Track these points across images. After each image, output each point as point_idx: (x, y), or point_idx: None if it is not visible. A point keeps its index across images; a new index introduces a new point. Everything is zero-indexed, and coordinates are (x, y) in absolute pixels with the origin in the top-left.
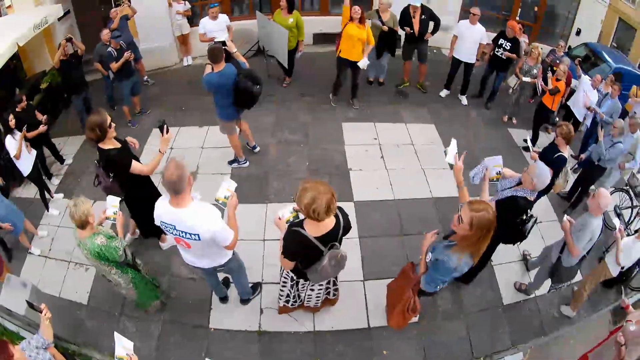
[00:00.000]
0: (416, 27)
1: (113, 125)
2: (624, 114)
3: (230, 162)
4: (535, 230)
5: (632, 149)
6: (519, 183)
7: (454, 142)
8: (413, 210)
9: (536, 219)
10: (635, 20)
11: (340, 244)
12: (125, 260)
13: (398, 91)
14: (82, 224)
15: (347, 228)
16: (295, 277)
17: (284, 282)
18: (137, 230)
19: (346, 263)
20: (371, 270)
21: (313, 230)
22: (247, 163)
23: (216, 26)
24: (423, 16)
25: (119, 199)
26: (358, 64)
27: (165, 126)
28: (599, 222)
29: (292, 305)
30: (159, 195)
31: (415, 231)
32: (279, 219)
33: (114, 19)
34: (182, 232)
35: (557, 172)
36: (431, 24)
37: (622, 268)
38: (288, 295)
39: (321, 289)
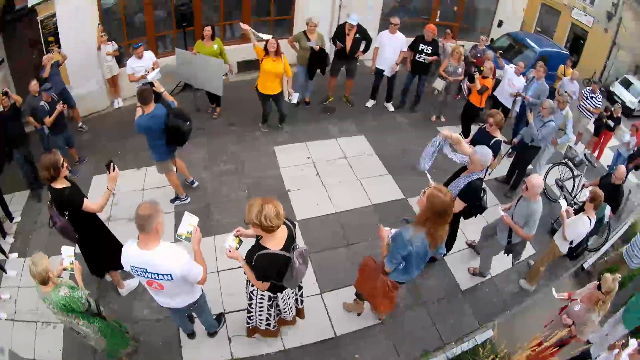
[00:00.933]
0: (349, 44)
1: (65, 165)
2: (553, 94)
3: (172, 200)
4: (479, 216)
5: (562, 125)
6: (465, 168)
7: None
8: (355, 220)
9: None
10: (558, 2)
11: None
12: (89, 310)
13: (324, 108)
14: (44, 280)
15: (294, 224)
16: (272, 295)
17: (260, 305)
18: (130, 282)
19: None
20: (325, 283)
21: (274, 244)
22: (189, 199)
23: (142, 64)
24: (357, 35)
25: (73, 248)
26: (290, 100)
27: (112, 164)
28: (540, 203)
29: (274, 327)
30: (109, 232)
31: (360, 239)
32: (229, 251)
33: (45, 67)
34: (153, 274)
35: (496, 155)
36: (363, 43)
37: (571, 244)
38: (268, 319)
39: (294, 296)
